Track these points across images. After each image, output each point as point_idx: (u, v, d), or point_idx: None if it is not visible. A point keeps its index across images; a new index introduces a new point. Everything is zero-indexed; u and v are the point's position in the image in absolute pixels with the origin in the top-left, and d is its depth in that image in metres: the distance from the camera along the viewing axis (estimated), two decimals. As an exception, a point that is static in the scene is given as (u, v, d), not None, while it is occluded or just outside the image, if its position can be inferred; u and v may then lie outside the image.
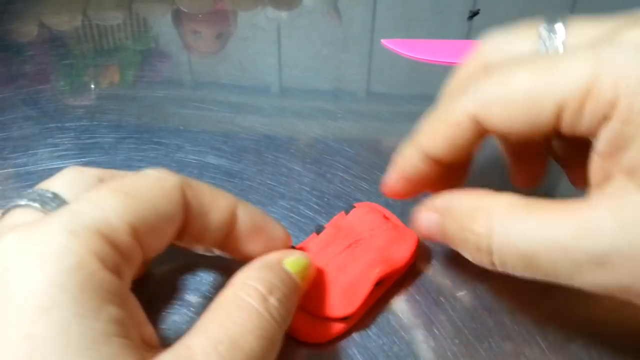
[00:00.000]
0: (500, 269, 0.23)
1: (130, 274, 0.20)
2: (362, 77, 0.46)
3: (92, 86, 0.44)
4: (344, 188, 0.34)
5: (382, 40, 0.50)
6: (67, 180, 0.23)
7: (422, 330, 0.26)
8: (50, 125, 0.39)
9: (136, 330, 0.19)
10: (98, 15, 0.53)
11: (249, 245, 0.24)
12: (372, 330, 0.26)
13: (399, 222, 0.30)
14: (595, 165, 0.21)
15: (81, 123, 0.39)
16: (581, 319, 0.27)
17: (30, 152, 0.36)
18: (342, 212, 0.30)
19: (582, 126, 0.21)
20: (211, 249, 0.24)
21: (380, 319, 0.27)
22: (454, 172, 0.27)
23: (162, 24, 0.53)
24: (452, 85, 0.28)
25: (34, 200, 0.21)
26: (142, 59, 0.48)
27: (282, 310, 0.21)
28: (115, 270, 0.19)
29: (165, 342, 0.20)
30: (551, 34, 0.24)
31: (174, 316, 0.26)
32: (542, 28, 0.24)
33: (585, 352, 0.25)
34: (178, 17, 0.55)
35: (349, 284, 0.26)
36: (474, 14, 0.54)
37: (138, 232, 0.20)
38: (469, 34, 0.52)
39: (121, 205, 0.20)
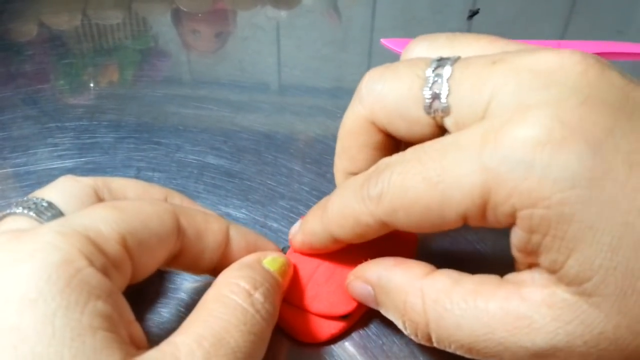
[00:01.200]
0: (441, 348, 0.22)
1: (119, 280, 0.20)
2: (362, 77, 0.46)
3: (92, 85, 0.44)
4: (344, 188, 0.34)
5: (382, 40, 0.50)
6: (62, 190, 0.23)
7: (422, 330, 0.26)
8: (50, 124, 0.39)
9: (124, 328, 0.19)
10: (97, 15, 0.53)
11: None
12: (372, 330, 0.26)
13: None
14: (516, 255, 0.21)
15: (81, 122, 0.39)
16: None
17: (29, 151, 0.36)
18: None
19: (492, 225, 0.20)
20: (205, 272, 0.25)
21: (380, 319, 0.27)
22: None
23: (161, 23, 0.53)
24: (345, 136, 0.26)
25: (29, 209, 0.22)
26: (141, 58, 0.48)
27: (267, 305, 0.22)
28: (103, 271, 0.19)
29: (156, 341, 0.20)
30: (436, 84, 0.22)
31: (165, 315, 0.26)
32: (428, 71, 0.22)
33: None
34: (177, 16, 0.55)
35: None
36: (473, 13, 0.54)
37: (127, 244, 0.20)
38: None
39: (112, 216, 0.20)
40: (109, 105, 0.41)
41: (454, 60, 0.22)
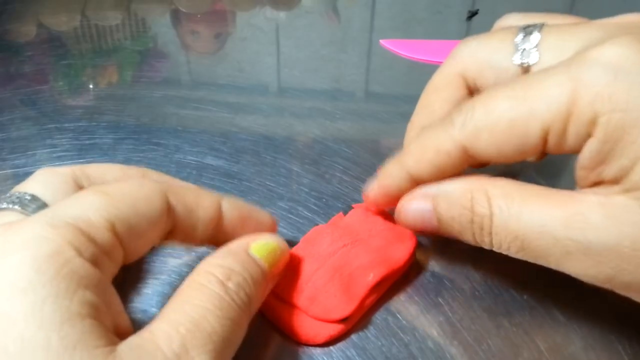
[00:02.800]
0: (496, 249, 0.24)
1: (110, 268, 0.20)
2: (361, 78, 0.46)
3: (91, 86, 0.44)
4: (343, 189, 0.34)
5: (381, 41, 0.50)
6: (42, 182, 0.23)
7: (421, 331, 0.26)
8: (49, 125, 0.39)
9: (110, 317, 0.19)
10: (97, 16, 0.53)
11: (238, 235, 0.25)
12: (371, 332, 0.26)
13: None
14: (581, 173, 0.23)
15: (80, 123, 0.39)
16: (580, 321, 0.27)
17: (28, 152, 0.36)
18: (340, 213, 0.30)
19: (567, 146, 0.22)
20: (201, 244, 0.25)
21: (379, 321, 0.27)
22: None
23: (160, 24, 0.53)
24: (430, 91, 0.29)
25: (14, 203, 0.22)
26: (140, 59, 0.48)
27: (242, 294, 0.22)
28: (93, 261, 0.19)
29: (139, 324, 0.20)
30: (526, 43, 0.25)
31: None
32: (518, 37, 0.25)
33: (584, 354, 0.25)
34: (177, 17, 0.55)
35: (347, 285, 0.26)
36: (473, 14, 0.54)
37: (117, 230, 0.20)
38: (468, 35, 0.52)
39: (100, 203, 0.20)
40: (108, 106, 0.41)
41: (540, 27, 0.25)
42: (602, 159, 0.21)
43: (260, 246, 0.24)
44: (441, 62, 0.28)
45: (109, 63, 0.47)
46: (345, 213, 0.30)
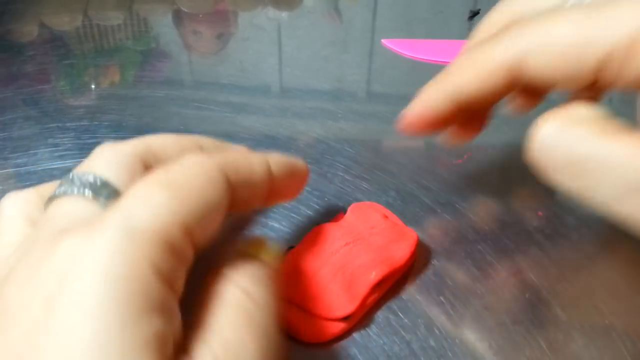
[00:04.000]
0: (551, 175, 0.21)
1: (183, 276, 0.19)
2: (363, 77, 0.46)
3: (93, 86, 0.44)
4: (345, 188, 0.34)
5: (383, 40, 0.50)
6: (109, 162, 0.22)
7: (423, 330, 0.26)
8: (51, 125, 0.39)
9: (172, 341, 0.18)
10: (99, 16, 0.53)
11: (286, 191, 0.25)
12: (373, 330, 0.26)
13: (399, 222, 0.30)
14: None
15: (82, 123, 0.39)
16: (581, 319, 0.27)
17: (30, 152, 0.36)
18: (341, 212, 0.30)
19: (628, 78, 0.20)
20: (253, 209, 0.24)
21: (381, 319, 0.27)
22: (471, 120, 0.27)
23: (162, 24, 0.53)
24: (479, 33, 0.27)
25: (84, 187, 0.21)
26: (142, 59, 0.48)
27: (270, 301, 0.21)
28: (169, 280, 0.18)
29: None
30: None
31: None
32: None
33: (586, 352, 0.25)
34: (179, 17, 0.55)
35: (348, 283, 0.26)
36: (474, 13, 0.54)
37: (191, 230, 0.19)
38: (470, 34, 0.52)
39: (173, 202, 0.19)
40: (110, 106, 0.41)
41: None
42: None
43: (269, 249, 0.23)
44: (443, 62, 0.28)
45: (111, 63, 0.47)
46: (346, 212, 0.30)
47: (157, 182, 0.19)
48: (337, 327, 0.26)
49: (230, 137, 0.38)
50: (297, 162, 0.26)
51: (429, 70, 0.46)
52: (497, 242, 0.30)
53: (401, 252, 0.28)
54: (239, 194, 0.22)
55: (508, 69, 0.22)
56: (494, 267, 0.29)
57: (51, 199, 0.21)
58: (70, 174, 0.21)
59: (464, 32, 0.53)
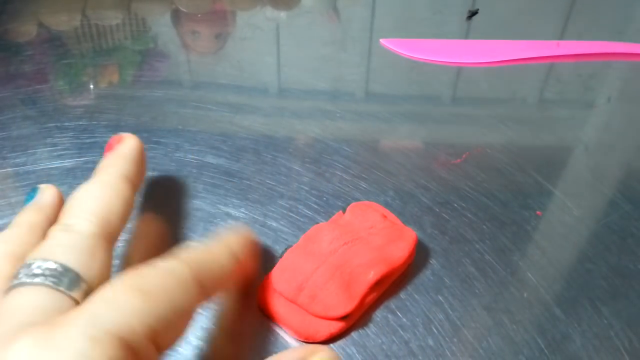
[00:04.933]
0: None
1: None
2: (361, 77, 0.46)
3: (91, 86, 0.44)
4: (343, 187, 0.34)
5: (381, 40, 0.50)
6: (68, 247, 0.22)
7: (421, 329, 0.26)
8: (49, 124, 0.39)
9: None
10: (97, 15, 0.53)
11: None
12: (371, 329, 0.26)
13: (398, 221, 0.30)
14: None
15: (80, 122, 0.39)
16: (580, 319, 0.27)
17: (29, 151, 0.36)
18: (340, 212, 0.30)
19: None
20: None
21: (379, 318, 0.27)
22: None
23: (161, 24, 0.53)
24: None
25: (45, 277, 0.20)
26: (141, 59, 0.48)
27: None
28: None
29: None
30: None
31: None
32: None
33: (584, 352, 0.25)
34: (177, 17, 0.55)
35: (347, 283, 0.26)
36: (473, 13, 0.54)
37: (157, 334, 0.19)
38: (468, 34, 0.52)
39: (141, 306, 0.19)
40: (108, 105, 0.41)
41: None
42: None
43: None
44: (442, 62, 0.27)
45: (110, 62, 0.47)
46: (345, 212, 0.30)
47: (127, 286, 0.20)
48: (336, 326, 0.26)
49: (228, 137, 0.38)
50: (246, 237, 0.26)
51: (428, 70, 0.47)
52: (496, 241, 0.30)
53: (400, 251, 0.28)
54: (209, 290, 0.22)
55: None
56: (493, 266, 0.29)
57: (10, 288, 0.20)
58: (29, 260, 0.21)
59: (463, 32, 0.53)
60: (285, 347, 0.25)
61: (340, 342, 0.26)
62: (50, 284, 0.20)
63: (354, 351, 0.25)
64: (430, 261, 0.29)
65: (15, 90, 0.42)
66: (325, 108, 0.41)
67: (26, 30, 0.51)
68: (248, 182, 0.34)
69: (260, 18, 0.54)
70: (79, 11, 0.54)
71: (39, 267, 0.20)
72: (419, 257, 0.29)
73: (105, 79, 0.45)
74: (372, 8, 0.56)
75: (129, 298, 0.19)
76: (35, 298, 0.20)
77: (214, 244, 0.24)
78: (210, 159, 0.36)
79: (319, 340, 0.25)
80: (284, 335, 0.26)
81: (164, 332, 0.19)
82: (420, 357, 0.25)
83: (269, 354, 0.25)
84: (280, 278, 0.27)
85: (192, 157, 0.36)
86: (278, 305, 0.26)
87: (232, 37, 0.52)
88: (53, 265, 0.21)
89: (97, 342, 0.17)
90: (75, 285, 0.20)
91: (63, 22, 0.52)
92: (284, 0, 0.57)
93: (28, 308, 0.19)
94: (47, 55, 0.47)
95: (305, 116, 0.41)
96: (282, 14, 0.55)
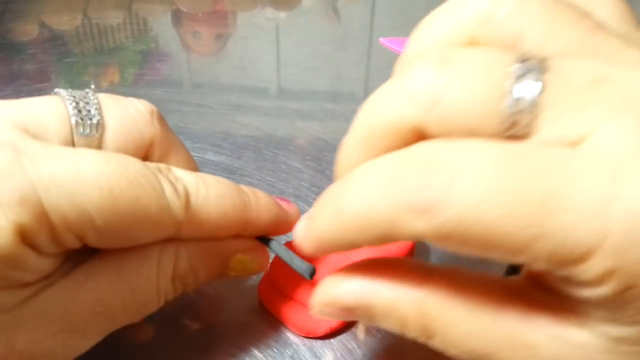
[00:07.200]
0: None
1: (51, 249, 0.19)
2: (361, 76, 0.46)
3: (92, 85, 0.44)
4: (343, 185, 0.34)
5: (381, 39, 0.50)
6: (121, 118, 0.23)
7: (421, 324, 0.26)
8: (51, 123, 0.39)
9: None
10: (98, 15, 0.54)
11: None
12: (371, 325, 0.26)
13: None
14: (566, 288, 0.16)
15: (82, 121, 0.39)
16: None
17: (31, 149, 0.36)
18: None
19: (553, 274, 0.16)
20: None
21: (379, 313, 0.27)
22: None
23: (162, 24, 0.54)
24: (362, 137, 0.20)
25: (74, 100, 0.22)
26: (142, 59, 0.48)
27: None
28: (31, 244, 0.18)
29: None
30: (524, 93, 0.16)
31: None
32: (511, 79, 0.16)
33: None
34: (178, 17, 0.55)
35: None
36: (472, 13, 0.54)
37: (87, 237, 0.20)
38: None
39: (98, 204, 0.19)
40: (109, 104, 0.41)
41: (543, 68, 0.16)
42: (611, 307, 0.15)
43: (239, 262, 0.24)
44: None
45: (111, 62, 0.47)
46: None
47: (101, 188, 0.19)
48: (335, 322, 0.26)
49: (229, 135, 0.38)
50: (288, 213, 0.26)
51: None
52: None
53: (399, 249, 0.28)
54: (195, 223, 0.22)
55: (419, 238, 0.17)
56: (492, 263, 0.29)
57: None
58: (87, 90, 0.23)
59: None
60: (285, 341, 0.26)
61: (340, 337, 0.26)
62: (74, 113, 0.22)
63: (354, 346, 0.25)
64: (430, 259, 0.30)
65: (17, 89, 0.43)
66: (326, 107, 0.42)
67: (28, 29, 0.51)
68: (249, 180, 0.34)
69: (261, 18, 0.54)
70: (81, 11, 0.54)
71: (86, 100, 0.22)
72: (419, 254, 0.30)
73: (107, 79, 0.45)
74: (372, 7, 0.56)
75: (92, 196, 0.19)
76: (44, 109, 0.22)
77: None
78: (211, 157, 0.36)
79: (318, 335, 0.26)
80: (285, 329, 0.26)
81: (102, 228, 0.19)
82: (420, 352, 0.25)
83: (270, 348, 0.25)
84: (278, 273, 0.27)
85: (194, 154, 0.36)
86: (278, 300, 0.26)
87: (233, 37, 0.52)
88: (95, 116, 0.22)
89: (25, 204, 0.18)
90: None
91: (65, 21, 0.53)
92: (284, 1, 0.57)
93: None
94: (48, 55, 0.47)
95: (305, 114, 0.41)
96: (282, 14, 0.55)
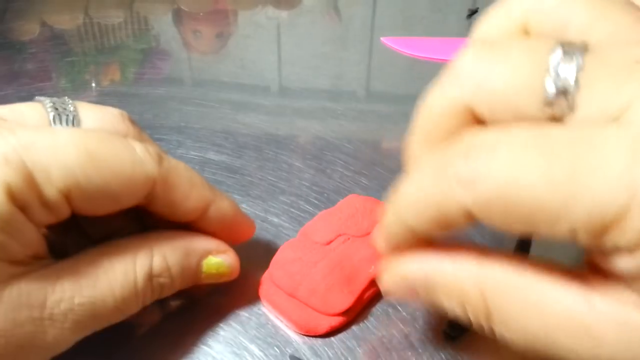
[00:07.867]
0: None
1: (43, 216, 0.21)
2: (362, 75, 0.46)
3: (93, 84, 0.44)
4: (344, 183, 0.34)
5: (382, 38, 0.50)
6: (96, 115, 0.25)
7: (421, 322, 0.26)
8: (52, 122, 0.39)
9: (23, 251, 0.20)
10: (99, 14, 0.54)
11: (215, 234, 0.26)
12: (372, 323, 0.26)
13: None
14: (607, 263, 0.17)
15: (83, 120, 0.39)
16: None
17: (32, 148, 0.36)
18: (339, 204, 0.31)
19: (596, 250, 0.17)
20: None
21: (380, 312, 0.27)
22: None
23: (162, 23, 0.54)
24: (426, 117, 0.22)
25: (55, 109, 0.24)
26: (142, 58, 0.48)
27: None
28: (22, 207, 0.20)
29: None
30: (565, 72, 0.17)
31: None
32: (553, 59, 0.17)
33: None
34: (179, 16, 0.55)
35: (347, 278, 0.26)
36: (473, 12, 0.54)
37: (70, 194, 0.20)
38: (468, 32, 0.52)
39: (72, 161, 0.20)
40: (110, 103, 0.41)
41: (584, 49, 0.17)
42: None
43: (212, 265, 0.25)
44: (442, 59, 0.27)
45: (112, 61, 0.47)
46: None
47: (77, 147, 0.21)
48: (336, 320, 0.26)
49: (230, 134, 0.38)
50: (244, 223, 0.27)
51: (428, 68, 0.47)
52: (496, 235, 0.31)
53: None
54: (161, 205, 0.23)
55: (466, 216, 0.18)
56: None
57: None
58: (65, 97, 0.25)
59: (463, 30, 0.53)
60: (286, 339, 0.26)
61: (340, 335, 0.26)
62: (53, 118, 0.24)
63: (355, 344, 0.25)
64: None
65: (18, 88, 0.43)
66: (326, 106, 0.42)
67: (29, 28, 0.51)
68: (250, 178, 0.34)
69: (262, 17, 0.54)
70: (82, 10, 0.54)
71: (65, 105, 0.24)
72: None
73: (108, 78, 0.45)
74: (373, 6, 0.56)
75: (68, 152, 0.20)
76: (29, 114, 0.24)
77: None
78: (212, 156, 0.36)
79: (319, 333, 0.26)
80: (285, 328, 0.26)
81: (81, 197, 0.21)
82: (420, 350, 0.25)
83: (270, 345, 0.25)
84: (279, 272, 0.27)
85: (195, 153, 0.36)
86: (279, 298, 0.26)
87: (234, 36, 0.52)
88: (72, 115, 0.24)
89: (9, 164, 0.19)
90: None
91: (66, 20, 0.53)
92: (286, 0, 0.57)
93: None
94: (49, 54, 0.48)
95: (306, 113, 0.41)
96: (284, 13, 0.55)
